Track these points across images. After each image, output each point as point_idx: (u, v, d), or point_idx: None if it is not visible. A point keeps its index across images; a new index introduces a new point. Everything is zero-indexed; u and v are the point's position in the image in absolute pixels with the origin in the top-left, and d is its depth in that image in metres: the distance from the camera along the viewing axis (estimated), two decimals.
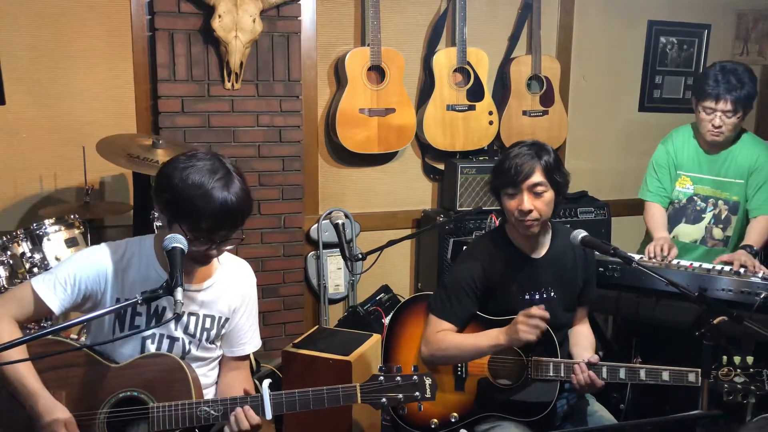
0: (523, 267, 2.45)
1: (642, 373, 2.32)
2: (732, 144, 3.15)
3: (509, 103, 4.19)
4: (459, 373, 2.47)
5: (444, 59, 4.01)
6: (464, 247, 3.24)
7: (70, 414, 1.95)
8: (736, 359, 2.20)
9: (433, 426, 2.46)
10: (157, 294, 1.78)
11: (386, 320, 3.75)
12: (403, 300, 2.87)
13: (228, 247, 2.03)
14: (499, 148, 4.27)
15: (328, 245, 4.03)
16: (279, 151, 3.74)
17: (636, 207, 3.43)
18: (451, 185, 4.05)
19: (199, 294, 2.11)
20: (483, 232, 3.72)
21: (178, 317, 1.77)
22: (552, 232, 2.50)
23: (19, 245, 3.07)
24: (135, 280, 2.04)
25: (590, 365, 2.33)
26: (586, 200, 4.24)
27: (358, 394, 2.01)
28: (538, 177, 2.32)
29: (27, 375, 1.95)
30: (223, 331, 2.18)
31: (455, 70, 4.05)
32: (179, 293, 1.75)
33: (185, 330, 2.10)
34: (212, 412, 1.98)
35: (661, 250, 3.02)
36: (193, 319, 2.11)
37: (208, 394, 2.19)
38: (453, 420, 2.45)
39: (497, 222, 3.37)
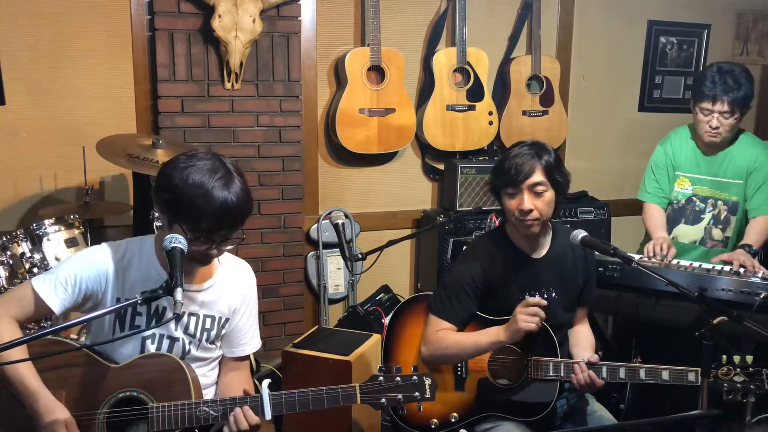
0: (524, 267, 2.45)
1: (642, 373, 2.32)
2: (730, 144, 3.15)
3: (509, 103, 4.19)
4: (459, 372, 2.47)
5: (444, 59, 4.01)
6: (464, 247, 3.24)
7: (69, 414, 1.95)
8: (736, 359, 2.20)
9: (433, 426, 2.46)
10: (156, 294, 1.78)
11: (386, 320, 3.75)
12: (403, 300, 2.87)
13: (228, 247, 2.03)
14: (499, 148, 4.27)
15: (328, 245, 4.03)
16: (279, 151, 3.74)
17: (636, 207, 3.43)
18: (451, 185, 4.05)
19: (200, 294, 2.11)
20: (483, 232, 3.72)
21: (177, 317, 1.77)
22: (552, 232, 2.50)
23: (18, 245, 3.07)
24: (135, 280, 2.04)
25: (590, 365, 2.33)
26: (586, 200, 4.24)
27: (358, 395, 2.00)
28: (538, 177, 2.32)
29: (27, 375, 1.95)
30: (223, 331, 2.18)
31: (455, 70, 4.05)
32: (179, 293, 1.75)
33: (185, 330, 2.10)
34: (212, 412, 1.98)
35: (660, 249, 3.02)
36: (193, 319, 2.11)
37: (208, 394, 2.19)
38: (453, 420, 2.45)
39: (497, 222, 3.37)
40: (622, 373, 2.33)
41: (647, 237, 3.30)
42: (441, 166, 4.23)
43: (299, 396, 2.00)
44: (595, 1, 4.46)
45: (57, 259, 3.07)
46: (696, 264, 2.94)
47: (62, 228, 3.14)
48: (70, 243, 3.14)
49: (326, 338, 3.16)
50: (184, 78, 3.53)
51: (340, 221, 3.13)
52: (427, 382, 2.02)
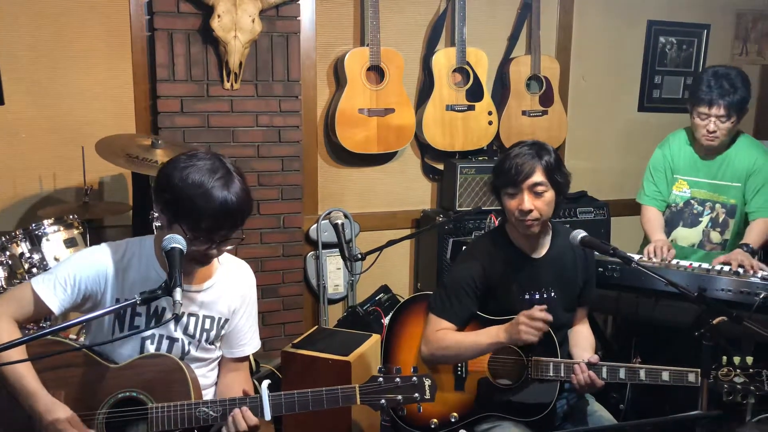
0: (523, 267, 2.45)
1: (642, 374, 2.32)
2: (728, 147, 3.15)
3: (508, 103, 4.19)
4: (459, 372, 2.47)
5: (443, 59, 4.01)
6: (464, 247, 3.24)
7: (71, 411, 1.95)
8: (736, 359, 2.19)
9: (432, 426, 2.46)
10: (155, 294, 1.78)
11: (386, 320, 3.75)
12: (402, 300, 2.87)
13: (228, 247, 2.03)
14: (499, 148, 4.27)
15: (327, 245, 4.03)
16: (278, 152, 3.74)
17: (636, 207, 3.43)
18: (451, 185, 4.04)
19: (199, 295, 2.11)
20: (482, 232, 3.72)
21: (177, 318, 1.76)
22: (552, 232, 2.50)
23: (18, 245, 3.06)
24: (135, 281, 2.04)
25: (590, 365, 2.32)
26: (586, 200, 4.24)
27: (357, 396, 2.00)
28: (538, 177, 2.32)
29: (26, 375, 1.94)
30: (223, 332, 2.18)
31: (454, 70, 4.05)
32: (178, 294, 1.75)
33: (185, 331, 2.10)
34: (211, 413, 1.98)
35: (660, 251, 3.02)
36: (192, 319, 2.11)
37: (208, 394, 2.18)
38: (453, 420, 2.45)
39: (497, 222, 3.37)
40: (622, 374, 2.33)
41: (646, 240, 3.30)
42: (440, 166, 4.23)
43: (299, 397, 2.00)
44: (594, 1, 4.46)
45: (56, 259, 3.07)
46: (696, 264, 2.94)
47: (61, 228, 3.14)
48: (70, 243, 3.14)
49: (326, 338, 3.16)
50: (183, 78, 3.52)
51: (339, 221, 3.12)
52: (427, 383, 2.01)
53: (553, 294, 2.46)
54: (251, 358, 3.08)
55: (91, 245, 2.54)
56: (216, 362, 2.23)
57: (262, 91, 3.66)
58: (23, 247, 3.07)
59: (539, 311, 2.24)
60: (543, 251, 2.48)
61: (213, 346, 2.17)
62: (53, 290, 2.00)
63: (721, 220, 3.20)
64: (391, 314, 2.70)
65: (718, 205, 3.20)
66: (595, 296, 2.67)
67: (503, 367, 2.43)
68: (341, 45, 3.96)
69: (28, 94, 3.50)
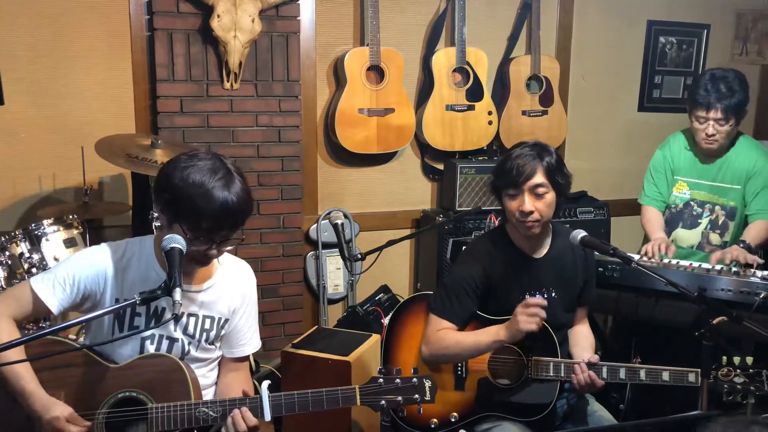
0: (524, 267, 2.45)
1: (642, 374, 2.32)
2: (728, 149, 3.15)
3: (508, 103, 4.19)
4: (459, 372, 2.46)
5: (443, 59, 4.01)
6: (464, 247, 3.24)
7: (70, 408, 1.95)
8: (736, 359, 2.19)
9: (432, 426, 2.46)
10: (155, 294, 1.78)
11: (385, 320, 3.75)
12: (402, 300, 2.87)
13: (228, 248, 2.03)
14: (499, 148, 4.27)
15: (327, 245, 4.03)
16: (278, 151, 3.74)
17: (636, 207, 3.43)
18: (451, 185, 4.04)
19: (199, 295, 2.11)
20: (482, 232, 3.71)
21: (176, 318, 1.76)
22: (552, 232, 2.50)
23: (17, 245, 3.06)
24: (134, 281, 2.04)
25: (590, 365, 2.32)
26: (586, 200, 4.24)
27: (357, 397, 2.00)
28: (539, 178, 2.31)
29: (24, 375, 1.94)
30: (223, 332, 2.17)
31: (454, 70, 4.04)
32: (177, 294, 1.74)
33: (184, 331, 2.10)
34: (211, 413, 1.98)
35: (659, 249, 3.02)
36: (192, 320, 2.11)
37: (208, 394, 2.18)
38: (453, 420, 2.44)
39: (496, 222, 3.37)
40: (622, 374, 2.33)
41: (647, 239, 3.30)
42: (440, 166, 4.23)
43: (299, 397, 2.00)
44: (594, 1, 4.46)
45: (56, 259, 3.07)
46: (695, 264, 2.93)
47: (61, 228, 3.13)
48: (69, 243, 3.14)
49: (325, 338, 3.16)
50: (183, 78, 3.52)
51: (339, 221, 3.12)
52: (427, 384, 2.01)
53: (553, 294, 2.46)
54: (251, 358, 3.08)
55: (90, 245, 2.53)
56: (216, 362, 2.23)
57: (262, 91, 3.66)
58: (23, 247, 3.06)
59: (534, 299, 2.24)
60: (543, 251, 2.47)
61: (213, 347, 2.17)
62: (52, 290, 2.00)
63: (720, 222, 3.20)
64: (391, 314, 2.70)
65: (717, 207, 3.20)
66: (595, 296, 2.67)
67: (503, 366, 2.43)
68: (341, 45, 3.96)
69: (28, 93, 3.50)
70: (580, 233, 2.30)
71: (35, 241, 3.08)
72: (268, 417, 1.98)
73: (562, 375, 2.35)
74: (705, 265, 2.91)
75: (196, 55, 3.52)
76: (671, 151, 3.28)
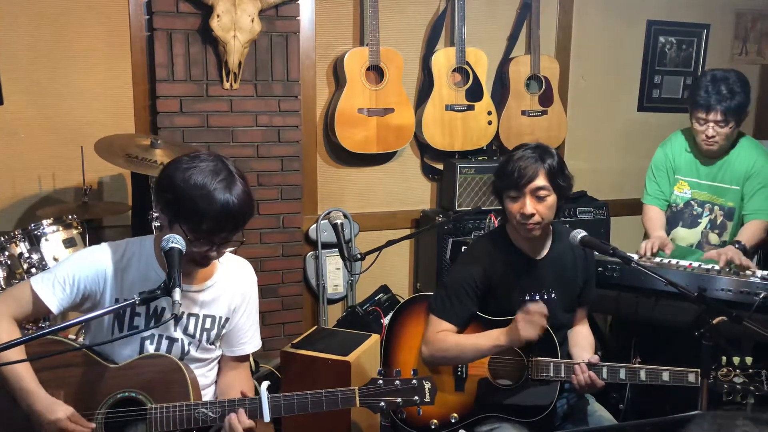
0: (524, 268, 2.45)
1: (642, 374, 2.32)
2: (729, 150, 3.14)
3: (508, 103, 4.19)
4: (459, 373, 2.46)
5: (443, 59, 4.01)
6: (463, 248, 3.24)
7: (72, 409, 1.95)
8: (736, 359, 2.19)
9: (432, 427, 2.46)
10: (154, 295, 1.78)
11: (385, 320, 3.75)
12: (402, 300, 2.87)
13: (228, 250, 2.03)
14: (498, 148, 4.27)
15: (327, 245, 4.03)
16: (278, 151, 3.74)
17: (635, 207, 3.44)
18: (450, 185, 4.04)
19: (200, 295, 2.11)
20: (482, 232, 3.71)
21: (176, 318, 1.76)
22: (552, 232, 2.50)
23: (17, 246, 3.06)
24: (134, 281, 2.03)
25: (590, 365, 2.32)
26: (585, 200, 4.24)
27: (357, 398, 2.00)
28: (541, 181, 2.31)
29: (24, 375, 1.94)
30: (224, 331, 2.17)
31: (454, 70, 4.04)
32: (177, 294, 1.74)
33: (185, 331, 2.10)
34: (210, 413, 1.97)
35: (652, 247, 3.01)
36: (192, 320, 2.11)
37: (207, 394, 2.18)
38: (453, 421, 2.44)
39: (496, 222, 3.37)
40: (622, 374, 2.33)
41: (646, 238, 3.29)
42: (440, 166, 4.23)
43: (298, 399, 2.00)
44: (594, 1, 4.46)
45: (55, 259, 3.07)
46: (695, 264, 2.93)
47: (60, 228, 3.13)
48: (69, 243, 3.14)
49: (325, 338, 3.16)
50: (182, 78, 3.52)
51: (339, 221, 3.13)
52: (427, 386, 2.01)
53: (553, 295, 2.46)
54: (251, 358, 3.08)
55: (90, 245, 2.53)
56: (216, 362, 2.23)
57: (262, 91, 3.66)
58: (22, 248, 3.06)
59: (535, 306, 2.23)
60: (543, 252, 2.47)
61: (213, 346, 2.16)
62: (52, 289, 2.00)
63: (719, 222, 3.20)
64: (391, 314, 2.70)
65: (716, 207, 3.20)
66: (594, 296, 2.66)
67: (503, 367, 2.43)
68: (341, 45, 3.96)
69: (28, 93, 3.50)
70: (579, 233, 2.30)
71: (35, 241, 3.08)
72: (267, 418, 1.97)
73: (563, 375, 2.35)
74: (705, 265, 2.90)
75: (195, 55, 3.52)
76: (673, 149, 3.28)
